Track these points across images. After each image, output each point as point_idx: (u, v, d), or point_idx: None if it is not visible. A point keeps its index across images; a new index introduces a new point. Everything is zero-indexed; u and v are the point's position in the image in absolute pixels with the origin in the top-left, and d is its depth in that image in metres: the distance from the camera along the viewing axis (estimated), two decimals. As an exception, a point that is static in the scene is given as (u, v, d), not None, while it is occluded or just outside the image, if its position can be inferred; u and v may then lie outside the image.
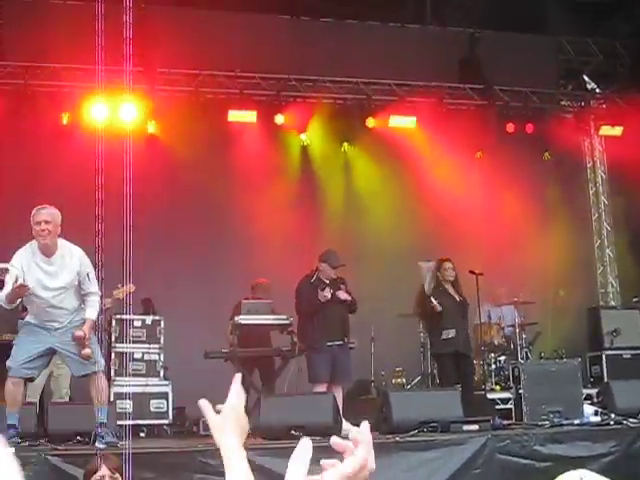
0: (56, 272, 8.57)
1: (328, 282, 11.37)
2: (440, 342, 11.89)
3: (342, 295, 11.35)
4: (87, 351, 8.57)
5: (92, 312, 8.72)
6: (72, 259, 8.64)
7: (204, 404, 2.57)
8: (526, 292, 14.38)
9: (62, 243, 8.66)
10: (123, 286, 11.23)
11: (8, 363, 8.58)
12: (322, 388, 10.97)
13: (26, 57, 13.79)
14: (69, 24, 13.40)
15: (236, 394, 2.61)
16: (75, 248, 8.73)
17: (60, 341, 8.62)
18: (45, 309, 8.60)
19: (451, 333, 11.73)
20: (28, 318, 8.74)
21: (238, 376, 2.65)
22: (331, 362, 11.17)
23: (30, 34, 13.56)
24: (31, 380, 8.98)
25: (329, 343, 11.19)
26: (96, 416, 8.68)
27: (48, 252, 8.57)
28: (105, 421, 8.69)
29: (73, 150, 13.83)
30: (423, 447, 9.00)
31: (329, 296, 11.21)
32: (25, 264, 8.49)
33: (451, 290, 12.08)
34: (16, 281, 8.30)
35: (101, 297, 9.32)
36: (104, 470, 6.07)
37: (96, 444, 8.46)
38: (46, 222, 8.46)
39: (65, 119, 14.12)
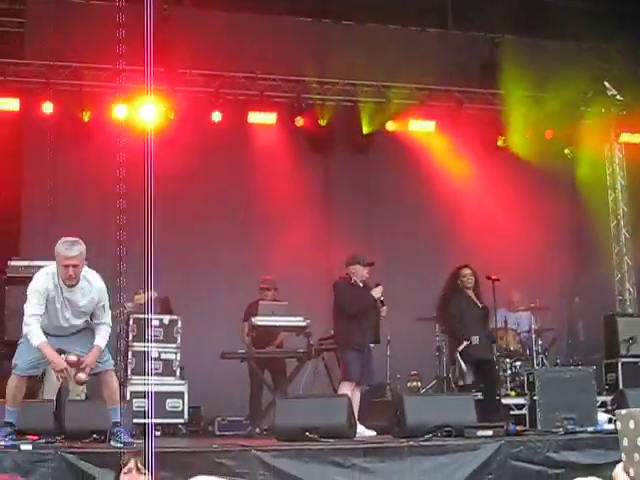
0: (75, 301, 8.47)
1: (362, 286, 11.45)
2: (465, 349, 11.87)
3: (384, 312, 11.60)
4: (81, 376, 8.43)
5: (101, 340, 8.61)
6: (91, 290, 8.54)
7: None
8: (543, 298, 14.38)
9: (84, 273, 8.53)
10: (144, 292, 11.29)
11: (15, 361, 8.51)
12: (350, 388, 11.01)
13: (49, 56, 13.87)
14: (91, 24, 13.48)
15: None
16: (95, 278, 8.60)
17: (68, 343, 8.56)
18: (55, 326, 8.51)
19: (475, 340, 11.74)
20: None
21: None
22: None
23: (53, 33, 13.64)
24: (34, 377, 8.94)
25: (371, 344, 11.36)
26: (111, 416, 8.68)
27: (70, 284, 8.47)
28: (119, 420, 8.67)
29: (94, 149, 13.94)
30: (437, 452, 8.99)
31: (380, 294, 11.40)
32: (50, 292, 8.38)
33: (473, 296, 12.08)
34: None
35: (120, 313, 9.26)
36: (132, 464, 6.13)
37: (111, 443, 8.50)
38: (74, 266, 8.32)
39: (86, 117, 14.19)
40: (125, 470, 6.13)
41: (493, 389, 11.92)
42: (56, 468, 7.84)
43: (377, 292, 11.40)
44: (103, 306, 8.65)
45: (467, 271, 12.12)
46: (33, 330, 8.30)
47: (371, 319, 11.43)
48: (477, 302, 12.03)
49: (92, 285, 8.54)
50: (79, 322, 8.61)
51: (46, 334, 8.37)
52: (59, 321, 8.47)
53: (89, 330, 8.67)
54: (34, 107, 13.86)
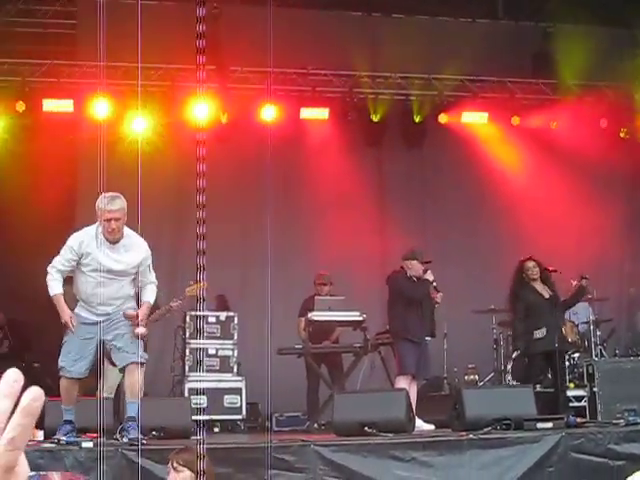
0: (118, 259, 8.46)
1: (416, 280, 11.42)
2: (531, 342, 11.78)
3: (439, 298, 11.60)
4: (141, 330, 8.48)
5: (150, 296, 8.65)
6: (136, 251, 8.53)
7: None
8: (600, 288, 14.23)
9: (127, 233, 8.52)
10: (195, 283, 11.31)
11: (60, 363, 8.54)
12: (407, 381, 10.97)
13: (101, 57, 13.94)
14: (143, 23, 13.54)
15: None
16: (139, 240, 8.59)
17: (107, 335, 8.49)
18: (97, 291, 8.43)
19: (542, 332, 11.64)
20: (77, 309, 8.59)
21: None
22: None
23: (105, 34, 13.71)
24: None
25: (427, 338, 11.31)
26: (128, 409, 8.54)
27: (113, 240, 8.45)
28: (134, 415, 8.47)
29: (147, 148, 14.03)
30: (496, 444, 8.97)
31: (432, 277, 11.38)
32: (85, 248, 8.38)
33: (539, 287, 11.96)
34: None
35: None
36: (169, 463, 6.22)
37: (123, 439, 8.34)
38: (116, 220, 8.33)
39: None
40: (167, 470, 6.25)
41: (557, 380, 11.78)
42: (116, 465, 7.91)
43: (430, 275, 11.35)
44: (148, 266, 8.63)
45: (531, 263, 12.00)
46: (54, 280, 8.41)
47: (427, 311, 11.42)
48: (543, 293, 11.89)
49: (135, 242, 8.53)
50: (124, 282, 8.56)
51: (85, 323, 8.44)
52: (106, 268, 8.37)
53: (127, 323, 8.61)
54: (88, 108, 13.95)
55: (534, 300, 11.82)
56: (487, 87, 15.76)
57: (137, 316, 8.44)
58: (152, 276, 8.73)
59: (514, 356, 12.79)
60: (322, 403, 12.32)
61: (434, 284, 11.47)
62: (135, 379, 8.53)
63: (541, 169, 15.73)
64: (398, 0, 15.36)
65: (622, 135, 16.21)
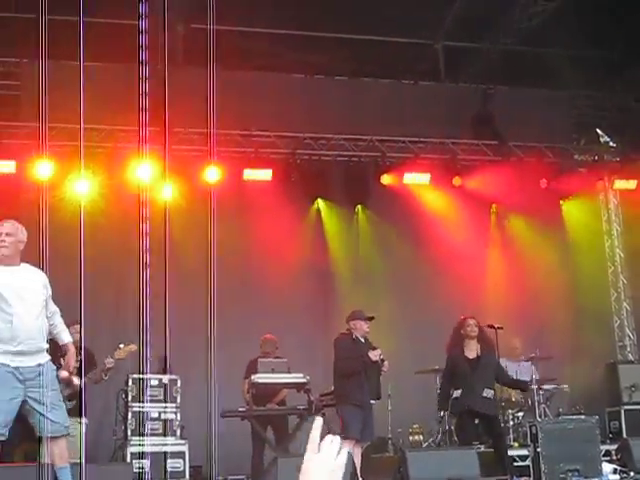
0: (23, 284, 8.03)
1: (364, 341, 11.40)
2: (453, 401, 11.79)
3: (386, 367, 11.44)
4: (73, 380, 8.32)
5: (67, 335, 8.30)
6: (36, 275, 8.16)
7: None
8: (544, 346, 14.32)
9: (24, 264, 8.20)
10: (125, 345, 11.17)
11: None
12: (350, 446, 10.85)
13: (43, 118, 13.89)
14: (86, 85, 13.53)
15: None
16: (38, 269, 8.22)
17: (30, 394, 7.84)
18: (11, 327, 7.85)
19: (457, 392, 11.61)
20: None
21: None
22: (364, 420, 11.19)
23: (48, 95, 13.67)
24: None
25: (371, 401, 11.22)
26: (60, 476, 8.07)
27: (8, 262, 8.09)
28: None
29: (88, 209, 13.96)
30: (441, 507, 8.94)
31: (379, 357, 11.28)
32: None
33: (470, 347, 11.91)
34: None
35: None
36: None
37: None
38: (7, 234, 8.13)
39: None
40: None
41: (497, 442, 11.67)
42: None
43: (374, 356, 11.26)
44: (50, 295, 8.27)
45: (471, 321, 11.96)
46: None
47: (372, 376, 11.35)
48: (469, 354, 11.80)
49: (35, 270, 8.18)
50: (35, 311, 8.07)
51: (4, 367, 7.83)
52: (14, 302, 7.92)
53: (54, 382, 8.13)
54: (30, 169, 13.87)
55: (456, 361, 11.79)
56: (429, 148, 15.92)
57: (69, 378, 8.22)
58: (54, 305, 8.37)
59: (441, 415, 12.75)
60: (266, 466, 12.20)
61: (381, 357, 11.36)
62: (62, 444, 8.06)
63: (482, 230, 15.86)
64: (340, 62, 15.50)
65: (561, 202, 16.48)
